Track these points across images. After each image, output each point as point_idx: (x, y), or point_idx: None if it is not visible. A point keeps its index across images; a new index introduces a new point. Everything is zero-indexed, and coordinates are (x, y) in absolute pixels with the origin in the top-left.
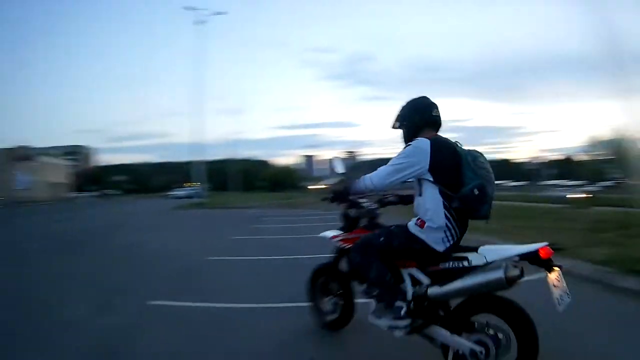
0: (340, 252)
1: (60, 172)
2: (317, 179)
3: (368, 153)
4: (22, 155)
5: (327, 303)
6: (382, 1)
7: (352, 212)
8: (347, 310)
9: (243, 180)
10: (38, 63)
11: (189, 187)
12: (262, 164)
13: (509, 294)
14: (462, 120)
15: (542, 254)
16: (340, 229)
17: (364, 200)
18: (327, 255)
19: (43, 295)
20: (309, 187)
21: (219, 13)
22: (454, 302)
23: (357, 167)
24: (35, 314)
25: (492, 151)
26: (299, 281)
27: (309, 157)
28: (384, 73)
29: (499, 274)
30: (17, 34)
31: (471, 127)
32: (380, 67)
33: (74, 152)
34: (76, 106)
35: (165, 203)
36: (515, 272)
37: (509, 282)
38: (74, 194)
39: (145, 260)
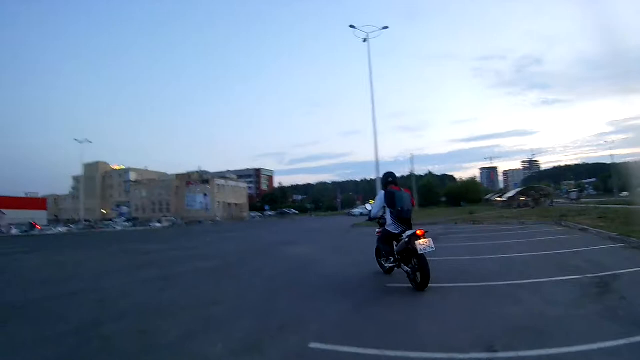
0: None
1: (237, 194)
2: (500, 192)
3: (548, 161)
4: (198, 178)
5: (383, 261)
6: (543, 1)
7: (380, 222)
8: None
9: (424, 196)
10: (219, 94)
11: (369, 204)
12: (443, 179)
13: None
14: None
15: (417, 232)
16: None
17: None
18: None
19: None
20: (492, 199)
21: (384, 28)
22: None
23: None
24: None
25: None
26: (499, 321)
27: (489, 169)
28: (554, 75)
29: (404, 240)
30: (197, 67)
31: None
32: (550, 69)
33: (252, 175)
34: (256, 132)
35: (343, 220)
36: (407, 238)
37: (406, 244)
38: (251, 214)
39: (312, 283)
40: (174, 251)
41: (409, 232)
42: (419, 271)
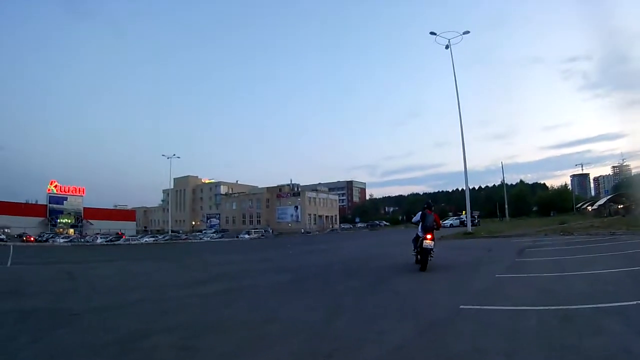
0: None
1: (328, 206)
2: (591, 200)
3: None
4: (289, 191)
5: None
6: None
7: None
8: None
9: (515, 205)
10: (312, 107)
11: (456, 216)
12: (534, 187)
13: None
14: None
15: (427, 236)
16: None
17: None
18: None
19: None
20: (584, 208)
21: (465, 33)
22: None
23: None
24: None
25: None
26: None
27: (580, 176)
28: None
29: (420, 239)
30: (290, 80)
31: None
32: (637, 67)
33: (344, 187)
34: (349, 145)
35: None
36: (422, 239)
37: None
38: (342, 225)
39: (376, 305)
40: (252, 263)
41: (422, 236)
42: (421, 257)
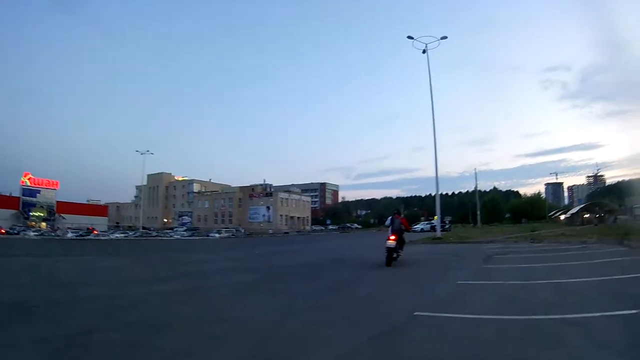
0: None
1: (301, 207)
2: (564, 208)
3: (614, 176)
4: (261, 192)
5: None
6: (609, 8)
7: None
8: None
9: (487, 212)
10: (287, 108)
11: (428, 221)
12: (508, 195)
13: None
14: None
15: (390, 237)
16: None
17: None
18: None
19: None
20: (556, 216)
21: (442, 38)
22: None
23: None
24: None
25: None
26: None
27: (554, 185)
28: (620, 84)
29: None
30: (265, 81)
31: None
32: (616, 78)
33: (318, 189)
34: (324, 147)
35: None
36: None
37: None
38: (314, 227)
39: (331, 309)
40: (217, 262)
41: (389, 237)
42: (386, 254)
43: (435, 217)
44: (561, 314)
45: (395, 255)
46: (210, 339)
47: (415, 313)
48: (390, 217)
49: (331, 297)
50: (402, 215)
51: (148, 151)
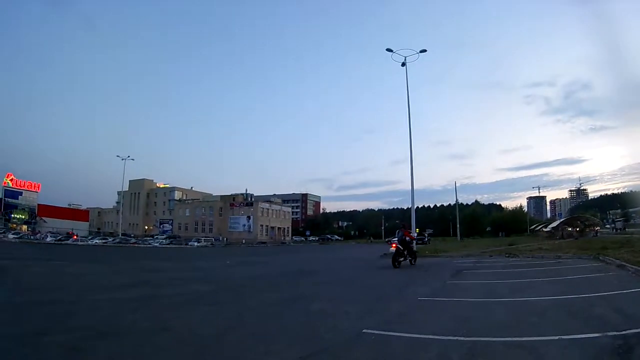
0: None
1: (281, 218)
2: (545, 222)
3: (596, 190)
4: (242, 201)
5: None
6: (591, 25)
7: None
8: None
9: (468, 225)
10: (271, 118)
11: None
12: (490, 208)
13: None
14: None
15: (392, 245)
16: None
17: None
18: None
19: None
20: (538, 230)
21: (422, 51)
22: None
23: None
24: None
25: None
26: None
27: (537, 199)
28: (602, 100)
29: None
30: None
31: None
32: (598, 95)
33: (299, 200)
34: (307, 158)
35: (379, 249)
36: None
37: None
38: (294, 238)
39: (278, 323)
40: (184, 272)
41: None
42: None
43: (417, 230)
44: (513, 337)
45: (401, 259)
46: (148, 348)
47: (364, 330)
48: (397, 230)
49: (281, 311)
50: (405, 228)
51: (129, 157)
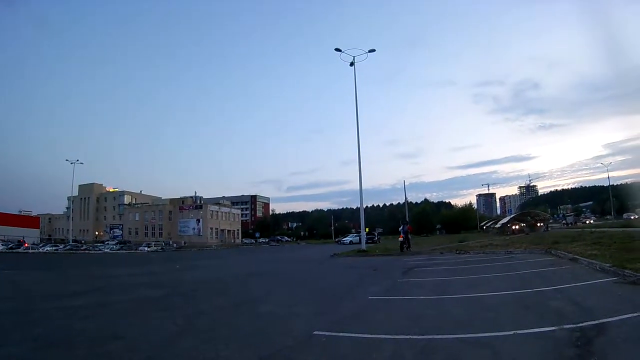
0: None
1: (231, 220)
2: (495, 218)
3: (546, 186)
4: (191, 204)
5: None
6: (540, 26)
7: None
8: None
9: (418, 223)
10: (218, 120)
11: (357, 233)
12: (440, 206)
13: None
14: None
15: (400, 236)
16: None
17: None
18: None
19: None
20: (487, 226)
21: (370, 51)
22: None
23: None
24: None
25: None
26: None
27: (486, 196)
28: (552, 99)
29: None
30: (196, 92)
31: None
32: (547, 93)
33: (249, 202)
34: (255, 159)
35: (329, 249)
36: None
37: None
38: (244, 240)
39: (228, 327)
40: (134, 277)
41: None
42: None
43: (367, 229)
44: (468, 333)
45: (405, 246)
46: (100, 356)
47: (315, 332)
48: (402, 225)
49: (233, 315)
50: (408, 224)
51: (78, 160)
